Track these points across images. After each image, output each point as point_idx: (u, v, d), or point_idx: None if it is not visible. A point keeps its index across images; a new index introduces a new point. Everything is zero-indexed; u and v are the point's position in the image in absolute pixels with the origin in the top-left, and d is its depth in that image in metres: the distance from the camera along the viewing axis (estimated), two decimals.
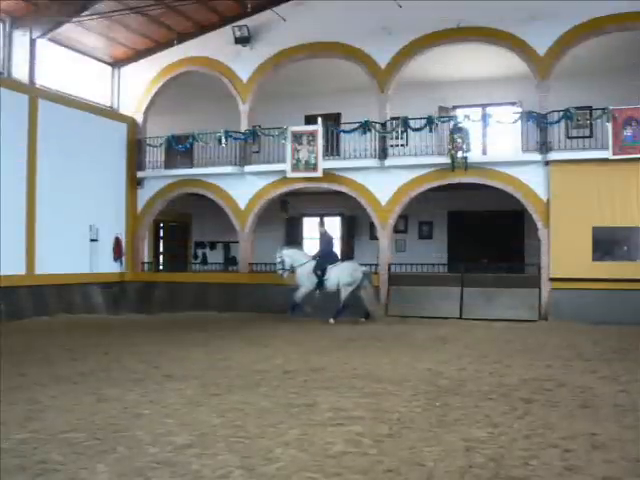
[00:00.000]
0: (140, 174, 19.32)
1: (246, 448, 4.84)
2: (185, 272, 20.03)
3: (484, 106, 17.97)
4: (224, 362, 8.92)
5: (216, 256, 22.32)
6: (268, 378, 7.68)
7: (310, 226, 20.79)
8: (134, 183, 19.41)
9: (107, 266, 18.37)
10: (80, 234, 17.44)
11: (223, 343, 11.08)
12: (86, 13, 16.73)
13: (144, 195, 19.48)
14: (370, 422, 5.60)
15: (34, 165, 16.26)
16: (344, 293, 14.71)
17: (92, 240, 17.86)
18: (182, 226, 23.47)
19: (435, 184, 16.38)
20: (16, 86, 16.07)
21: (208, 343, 10.99)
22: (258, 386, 7.22)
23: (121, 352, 9.89)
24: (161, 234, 22.85)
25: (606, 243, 15.32)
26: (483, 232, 18.45)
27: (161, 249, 22.92)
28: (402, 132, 16.79)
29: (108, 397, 6.60)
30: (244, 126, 18.06)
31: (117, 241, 18.79)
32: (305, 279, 14.97)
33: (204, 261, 22.21)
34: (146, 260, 19.90)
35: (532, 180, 15.63)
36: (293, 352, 9.90)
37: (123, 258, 18.98)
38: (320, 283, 14.85)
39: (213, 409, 6.09)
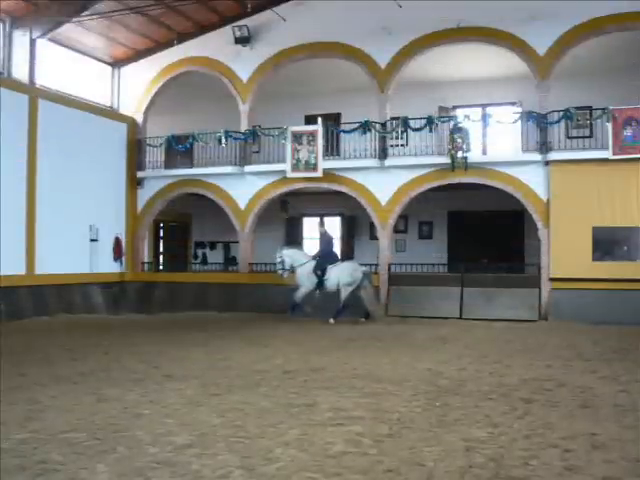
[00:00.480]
0: (140, 174, 19.32)
1: (246, 448, 4.84)
2: (185, 272, 20.02)
3: (484, 106, 17.97)
4: (224, 362, 8.92)
5: (216, 256, 22.33)
6: (268, 378, 7.68)
7: (310, 226, 20.79)
8: (134, 183, 19.42)
9: (107, 266, 18.37)
10: (80, 234, 17.44)
11: (223, 343, 11.07)
12: (86, 13, 16.73)
13: (144, 195, 19.48)
14: (370, 422, 5.59)
15: (34, 165, 16.25)
16: (344, 293, 14.71)
17: (92, 240, 17.86)
18: (182, 226, 23.47)
19: (435, 184, 16.38)
20: (16, 86, 16.07)
21: (208, 343, 10.99)
22: (258, 386, 7.22)
23: (121, 352, 9.89)
24: (161, 234, 22.85)
25: (606, 243, 15.32)
26: (483, 232, 18.45)
27: (161, 249, 22.92)
28: (402, 132, 16.79)
29: (108, 397, 6.60)
30: (244, 126, 18.06)
31: (117, 241, 18.79)
32: (305, 279, 14.96)
33: (204, 261, 22.21)
34: (146, 260, 19.90)
35: (532, 180, 15.63)
36: (293, 352, 9.90)
37: (123, 258, 18.98)
38: (320, 283, 14.84)
39: (213, 409, 6.09)
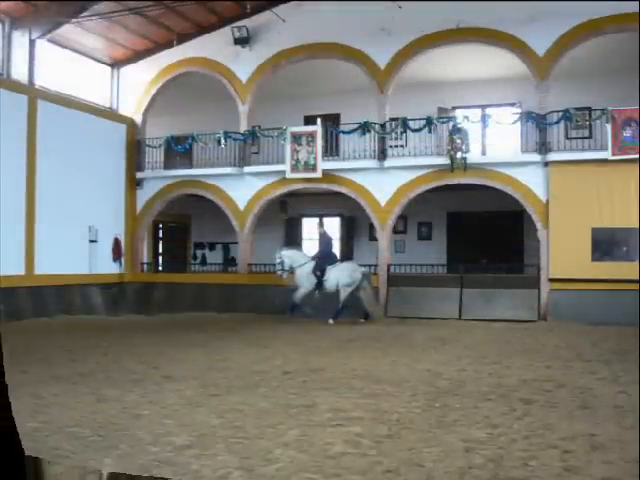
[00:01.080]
0: (139, 175, 19.32)
1: (245, 449, 4.83)
2: (184, 273, 20.00)
3: (483, 107, 17.98)
4: (223, 363, 8.92)
5: (215, 257, 22.32)
6: (267, 379, 7.67)
7: (309, 227, 20.79)
8: (133, 184, 19.41)
9: (106, 267, 18.37)
10: (79, 235, 17.43)
11: (222, 344, 11.06)
12: (85, 14, 16.73)
13: (143, 196, 19.47)
14: (369, 423, 5.59)
15: (34, 166, 16.25)
16: (343, 294, 14.70)
17: (91, 241, 17.86)
18: (181, 227, 23.46)
19: (434, 185, 16.39)
20: (15, 87, 16.07)
21: (207, 344, 10.98)
22: (257, 387, 7.21)
23: (120, 353, 9.89)
24: (160, 235, 22.84)
25: (605, 244, 15.32)
26: (482, 233, 18.45)
27: (160, 250, 22.91)
28: (401, 133, 16.77)
29: (108, 397, 6.60)
30: (243, 127, 18.06)
31: (116, 242, 18.78)
32: (304, 280, 14.96)
33: (203, 262, 22.20)
34: (145, 261, 19.89)
35: (531, 181, 15.63)
36: (292, 353, 9.89)
37: (122, 259, 18.97)
38: (319, 284, 14.84)
39: (212, 410, 6.08)
